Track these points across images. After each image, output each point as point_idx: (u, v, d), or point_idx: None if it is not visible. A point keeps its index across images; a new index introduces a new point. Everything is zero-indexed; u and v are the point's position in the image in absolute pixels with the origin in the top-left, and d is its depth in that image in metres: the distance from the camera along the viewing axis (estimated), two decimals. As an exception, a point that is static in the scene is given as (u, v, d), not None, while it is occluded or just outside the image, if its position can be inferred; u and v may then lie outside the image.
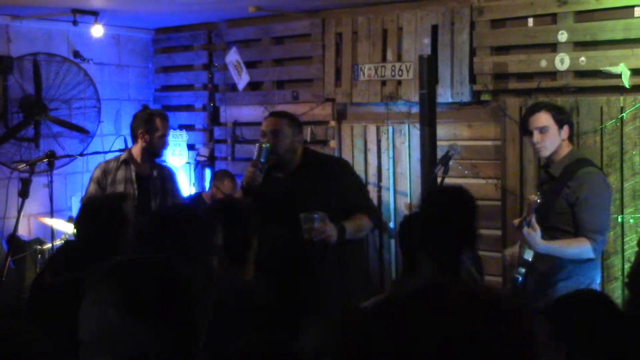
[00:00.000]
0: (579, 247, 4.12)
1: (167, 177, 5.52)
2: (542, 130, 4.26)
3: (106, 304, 1.73)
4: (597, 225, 4.14)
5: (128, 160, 5.44)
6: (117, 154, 6.09)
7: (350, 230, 4.22)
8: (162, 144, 5.47)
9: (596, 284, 4.31)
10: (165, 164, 5.86)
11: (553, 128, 4.25)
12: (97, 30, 6.72)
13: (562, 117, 4.30)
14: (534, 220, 3.99)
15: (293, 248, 3.44)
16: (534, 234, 3.99)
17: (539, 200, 4.01)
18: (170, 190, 5.48)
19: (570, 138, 4.38)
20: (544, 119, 4.27)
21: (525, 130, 4.39)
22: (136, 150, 5.46)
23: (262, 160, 4.28)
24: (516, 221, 4.27)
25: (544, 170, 4.47)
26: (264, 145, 4.30)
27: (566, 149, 4.31)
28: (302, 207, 4.01)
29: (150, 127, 5.41)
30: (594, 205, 4.15)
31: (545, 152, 4.31)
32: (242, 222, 3.07)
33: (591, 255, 4.15)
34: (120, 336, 1.71)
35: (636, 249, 4.83)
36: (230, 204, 3.27)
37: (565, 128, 4.29)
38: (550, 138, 4.26)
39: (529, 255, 4.12)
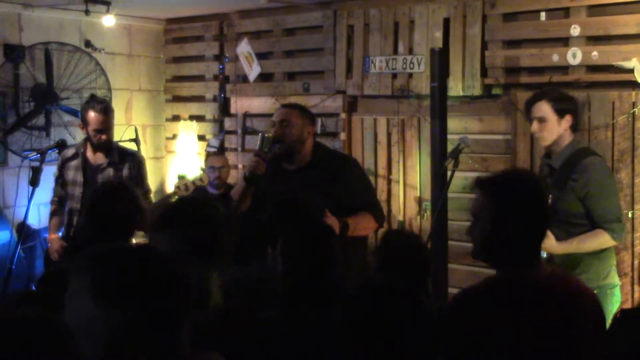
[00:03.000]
0: (598, 240, 4.13)
1: (127, 165, 5.40)
2: (541, 120, 4.25)
3: (82, 291, 1.76)
4: (612, 214, 4.15)
5: (79, 149, 5.46)
6: (127, 143, 6.11)
7: (353, 227, 4.24)
8: (98, 138, 5.31)
9: (614, 269, 4.28)
10: (130, 151, 5.67)
11: (552, 118, 4.23)
12: (109, 20, 6.73)
13: (563, 107, 4.25)
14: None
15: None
16: (548, 240, 4.00)
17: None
18: (124, 178, 5.30)
19: (575, 127, 4.32)
20: (542, 109, 4.26)
21: (528, 117, 4.39)
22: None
23: (264, 150, 4.31)
24: None
25: (545, 163, 4.43)
26: (265, 135, 4.34)
27: (567, 139, 4.28)
28: None
29: (84, 120, 5.37)
30: (604, 195, 4.16)
31: (544, 142, 4.31)
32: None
33: (612, 243, 4.18)
34: (95, 323, 1.73)
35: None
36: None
37: (567, 117, 4.25)
38: (549, 129, 4.24)
39: (542, 253, 4.13)
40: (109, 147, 5.39)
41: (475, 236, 2.63)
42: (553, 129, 4.24)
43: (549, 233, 4.01)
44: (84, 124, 5.36)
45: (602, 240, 4.12)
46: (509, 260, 2.55)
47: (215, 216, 2.92)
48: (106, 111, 5.30)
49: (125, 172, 5.34)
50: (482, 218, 2.59)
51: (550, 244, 4.03)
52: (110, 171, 5.34)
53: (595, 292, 4.11)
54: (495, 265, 2.63)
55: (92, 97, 5.50)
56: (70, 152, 5.50)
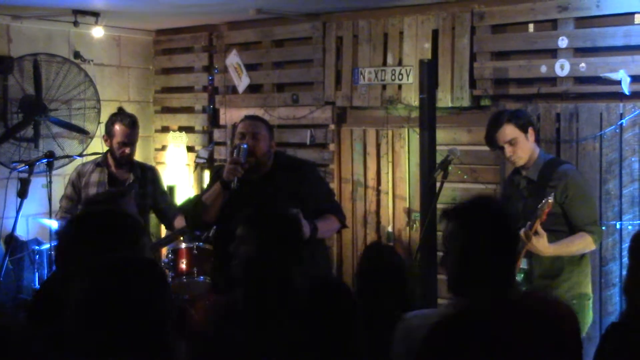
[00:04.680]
0: (583, 242, 4.20)
1: (149, 180, 5.40)
2: (512, 142, 4.28)
3: (70, 305, 1.80)
4: (592, 217, 4.26)
5: (102, 164, 5.38)
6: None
7: (322, 229, 4.32)
8: (122, 151, 5.28)
9: (589, 279, 4.38)
10: (148, 165, 5.70)
11: (521, 136, 4.30)
12: (98, 32, 6.73)
13: (523, 122, 4.32)
14: (540, 228, 4.02)
15: None
16: (543, 240, 4.03)
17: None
18: (150, 194, 5.38)
19: (537, 139, 4.40)
20: (508, 132, 4.30)
21: (495, 146, 4.40)
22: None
23: (242, 161, 4.32)
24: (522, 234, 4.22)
25: (520, 176, 4.43)
26: (242, 146, 4.34)
27: (536, 151, 4.37)
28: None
29: (109, 132, 5.33)
30: (584, 200, 4.25)
31: (521, 162, 4.36)
32: None
33: (594, 246, 4.27)
34: (86, 338, 1.78)
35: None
36: None
37: (530, 131, 4.33)
38: (521, 147, 4.31)
39: (524, 264, 4.17)
40: (131, 162, 5.37)
41: (448, 268, 2.56)
42: (525, 146, 4.32)
43: (541, 232, 4.03)
44: (108, 136, 5.31)
45: (585, 242, 4.21)
46: (483, 289, 2.47)
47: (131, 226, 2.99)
48: (133, 125, 5.28)
49: (150, 188, 5.36)
50: (452, 249, 2.56)
51: (543, 244, 4.05)
52: (135, 187, 5.29)
53: (574, 301, 4.17)
54: (470, 296, 2.54)
55: (120, 110, 5.48)
56: (88, 167, 5.42)
